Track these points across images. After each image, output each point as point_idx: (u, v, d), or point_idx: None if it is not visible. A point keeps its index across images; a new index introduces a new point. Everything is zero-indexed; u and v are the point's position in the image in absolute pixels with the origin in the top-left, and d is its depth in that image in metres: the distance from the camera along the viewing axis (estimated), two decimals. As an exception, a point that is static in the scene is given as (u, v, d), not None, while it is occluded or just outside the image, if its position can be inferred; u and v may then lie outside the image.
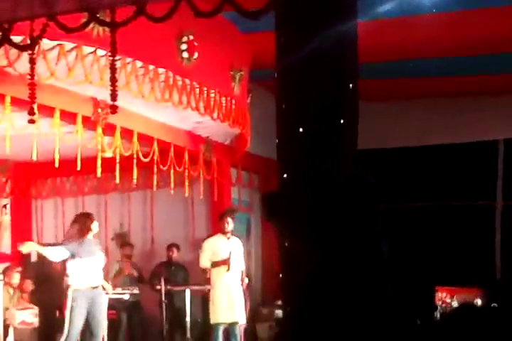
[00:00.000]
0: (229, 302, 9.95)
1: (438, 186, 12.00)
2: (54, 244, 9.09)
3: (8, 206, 8.69)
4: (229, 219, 10.31)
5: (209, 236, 10.76)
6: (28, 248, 8.91)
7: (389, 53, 10.04)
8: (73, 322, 8.48)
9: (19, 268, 10.55)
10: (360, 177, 3.06)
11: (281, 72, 3.29)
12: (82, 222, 8.91)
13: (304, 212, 3.01)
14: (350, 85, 3.25)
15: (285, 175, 3.19)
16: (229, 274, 10.03)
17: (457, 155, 12.40)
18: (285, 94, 3.30)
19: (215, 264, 10.13)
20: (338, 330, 2.88)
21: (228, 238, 10.32)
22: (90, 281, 8.73)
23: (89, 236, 8.88)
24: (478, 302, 9.57)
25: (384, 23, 8.38)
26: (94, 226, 8.91)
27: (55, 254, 8.71)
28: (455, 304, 9.41)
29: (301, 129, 3.17)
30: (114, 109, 4.36)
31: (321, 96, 3.20)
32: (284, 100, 3.29)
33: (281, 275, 3.26)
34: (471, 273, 11.02)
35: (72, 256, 8.64)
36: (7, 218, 8.57)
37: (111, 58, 4.26)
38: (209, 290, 10.14)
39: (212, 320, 10.02)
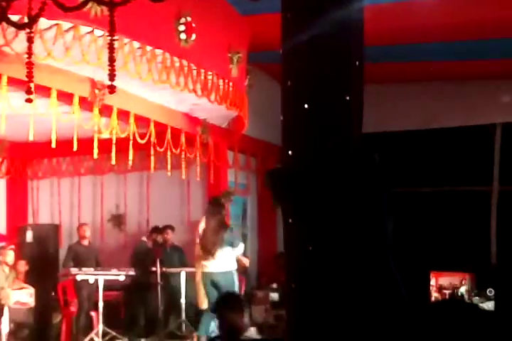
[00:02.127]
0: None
1: (434, 171, 11.98)
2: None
3: None
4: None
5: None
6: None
7: (391, 37, 9.99)
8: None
9: (12, 246, 10.56)
10: (366, 154, 3.04)
11: (286, 49, 3.26)
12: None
13: (308, 188, 3.00)
14: (357, 62, 3.23)
15: (290, 152, 3.17)
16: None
17: (454, 139, 12.36)
18: (290, 70, 3.27)
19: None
20: (342, 309, 2.88)
21: None
22: None
23: None
24: (467, 287, 9.63)
25: (386, 7, 8.33)
26: None
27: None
28: (446, 289, 9.47)
29: (306, 106, 3.15)
30: (112, 88, 4.32)
31: (326, 73, 3.17)
32: (289, 77, 3.26)
33: (284, 253, 3.26)
34: (466, 258, 11.04)
35: None
36: None
37: (109, 38, 4.21)
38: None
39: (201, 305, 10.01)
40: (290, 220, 3.15)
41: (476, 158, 12.49)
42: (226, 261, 9.61)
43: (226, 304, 5.76)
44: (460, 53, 10.83)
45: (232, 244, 9.65)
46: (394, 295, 2.91)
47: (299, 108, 3.20)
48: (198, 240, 9.88)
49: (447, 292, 9.49)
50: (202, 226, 9.87)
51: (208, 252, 9.56)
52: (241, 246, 9.88)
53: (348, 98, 3.18)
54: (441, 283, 9.56)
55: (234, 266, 9.71)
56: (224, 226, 9.70)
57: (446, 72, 11.87)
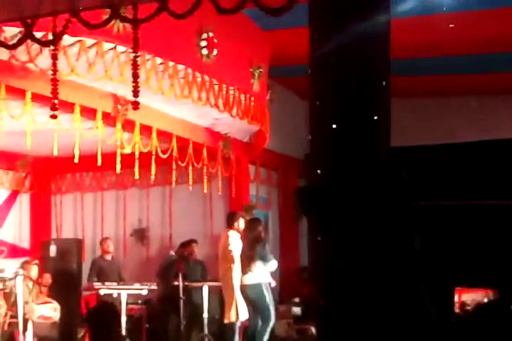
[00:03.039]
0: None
1: (461, 184, 11.88)
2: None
3: None
4: (241, 219, 10.28)
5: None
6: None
7: (412, 50, 9.99)
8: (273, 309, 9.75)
9: (36, 261, 10.61)
10: (394, 171, 3.05)
11: (314, 69, 3.28)
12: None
13: (337, 206, 3.01)
14: (383, 82, 3.25)
15: (318, 171, 3.19)
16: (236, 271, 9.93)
17: (478, 153, 12.26)
18: (318, 90, 3.30)
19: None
20: (370, 325, 2.88)
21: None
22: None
23: None
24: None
25: (408, 21, 8.34)
26: None
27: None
28: (468, 306, 9.34)
29: (334, 126, 3.17)
30: (135, 105, 4.37)
31: (354, 93, 3.20)
32: (317, 97, 3.29)
33: (311, 270, 3.30)
34: (489, 273, 10.91)
35: None
36: None
37: (132, 54, 4.27)
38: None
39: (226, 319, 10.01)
40: (318, 237, 3.16)
41: (501, 171, 12.37)
42: (255, 274, 9.65)
43: (97, 316, 5.63)
44: (483, 66, 10.80)
45: (263, 258, 9.68)
46: (421, 313, 2.90)
47: (327, 128, 3.22)
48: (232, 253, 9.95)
49: (470, 308, 9.37)
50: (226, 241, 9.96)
51: (244, 266, 9.66)
52: (274, 263, 9.90)
53: (375, 118, 3.20)
54: (463, 300, 9.43)
55: (264, 279, 9.72)
56: (259, 241, 9.77)
57: (470, 85, 11.83)
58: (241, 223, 10.17)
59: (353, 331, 2.96)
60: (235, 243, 9.99)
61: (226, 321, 9.98)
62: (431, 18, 8.64)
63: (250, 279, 9.65)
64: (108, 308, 5.94)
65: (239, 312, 9.85)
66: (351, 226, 2.96)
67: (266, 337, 9.61)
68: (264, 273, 9.73)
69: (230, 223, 10.22)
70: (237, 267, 9.80)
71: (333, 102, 3.25)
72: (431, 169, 3.63)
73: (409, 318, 2.88)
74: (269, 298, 9.64)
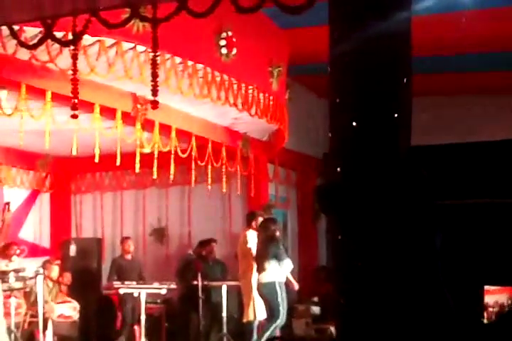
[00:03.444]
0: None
1: (484, 183, 11.80)
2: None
3: (10, 204, 8.89)
4: (260, 218, 10.29)
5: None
6: None
7: (434, 48, 9.92)
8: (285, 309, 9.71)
9: (58, 261, 10.67)
10: (414, 170, 3.04)
11: (334, 66, 3.27)
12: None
13: (357, 204, 3.00)
14: (405, 79, 3.23)
15: (338, 169, 3.17)
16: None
17: (502, 151, 12.15)
18: (339, 88, 3.28)
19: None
20: (391, 324, 2.87)
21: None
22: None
23: None
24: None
25: (429, 18, 8.28)
26: None
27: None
28: (492, 307, 9.23)
29: (354, 123, 3.16)
30: (154, 104, 4.37)
31: (375, 91, 3.18)
32: (337, 94, 3.27)
33: (331, 268, 3.30)
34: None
35: None
36: (9, 216, 8.70)
37: (151, 54, 4.27)
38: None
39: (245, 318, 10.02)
40: (339, 236, 3.15)
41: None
42: (269, 273, 9.65)
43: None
44: (507, 64, 10.72)
45: (277, 257, 9.69)
46: (444, 311, 2.89)
47: (347, 125, 3.20)
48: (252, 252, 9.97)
49: (493, 310, 9.28)
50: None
51: (258, 265, 9.68)
52: (288, 262, 9.89)
53: (396, 115, 3.18)
54: (487, 301, 9.34)
55: (278, 278, 9.71)
56: (273, 240, 9.77)
57: (492, 83, 11.75)
58: (260, 222, 10.18)
59: (373, 330, 2.95)
60: (254, 242, 10.00)
61: (245, 320, 10.00)
62: (452, 16, 8.59)
63: (264, 278, 9.66)
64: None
65: (256, 312, 9.87)
66: (371, 225, 2.95)
67: (268, 333, 9.57)
68: (278, 272, 9.72)
69: (249, 222, 10.25)
70: (255, 266, 9.82)
71: (353, 100, 3.23)
72: (453, 168, 3.60)
73: (430, 317, 2.87)
74: (281, 298, 9.63)
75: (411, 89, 3.29)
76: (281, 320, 9.66)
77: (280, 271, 9.75)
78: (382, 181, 3.02)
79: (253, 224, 10.15)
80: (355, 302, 3.02)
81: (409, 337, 2.86)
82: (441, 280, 2.94)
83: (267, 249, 9.71)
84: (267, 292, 9.64)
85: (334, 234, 3.17)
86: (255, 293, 9.82)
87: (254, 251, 9.87)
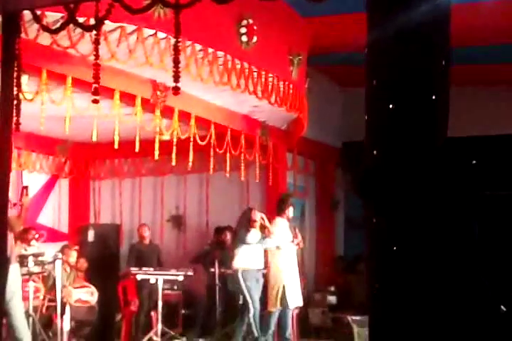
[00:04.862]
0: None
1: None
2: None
3: (28, 188, 8.93)
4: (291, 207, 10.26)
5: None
6: None
7: (466, 38, 9.81)
8: (253, 298, 9.55)
9: (76, 247, 10.73)
10: (457, 160, 3.00)
11: (371, 48, 3.21)
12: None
13: (395, 188, 2.96)
14: (443, 61, 3.17)
15: (375, 152, 3.13)
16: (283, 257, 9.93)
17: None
18: (375, 70, 3.23)
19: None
20: (427, 309, 2.85)
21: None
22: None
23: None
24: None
25: (463, 7, 8.17)
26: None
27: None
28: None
29: (391, 105, 3.11)
30: (176, 90, 4.35)
31: (412, 72, 3.12)
32: (374, 76, 3.22)
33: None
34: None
35: None
36: (27, 200, 8.74)
37: (173, 40, 4.26)
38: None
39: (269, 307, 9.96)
40: (374, 220, 3.11)
41: None
42: (234, 261, 9.79)
43: None
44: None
45: (244, 242, 9.71)
46: (481, 300, 2.87)
47: (384, 108, 3.15)
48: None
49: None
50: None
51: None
52: (268, 242, 9.84)
53: (434, 97, 3.12)
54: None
55: (241, 265, 9.70)
56: (242, 225, 9.88)
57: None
58: (290, 211, 10.16)
59: (408, 315, 2.93)
60: (282, 230, 9.96)
61: (267, 310, 9.93)
62: (485, 5, 8.48)
63: (231, 267, 9.86)
64: None
65: (285, 300, 9.78)
66: (410, 209, 2.91)
67: (243, 328, 9.64)
68: (242, 260, 9.72)
69: (280, 209, 10.16)
70: (281, 254, 9.81)
71: (390, 82, 3.17)
72: (493, 159, 3.56)
73: (468, 302, 2.85)
74: (245, 286, 9.60)
75: (449, 71, 3.23)
76: (255, 309, 9.55)
77: (246, 258, 9.71)
78: (424, 166, 2.97)
79: (286, 211, 10.10)
80: (391, 288, 2.99)
81: (445, 324, 2.84)
82: (479, 269, 2.92)
83: (237, 236, 9.82)
84: (233, 282, 9.75)
85: (369, 218, 3.13)
86: (276, 282, 9.77)
87: (280, 239, 9.85)
